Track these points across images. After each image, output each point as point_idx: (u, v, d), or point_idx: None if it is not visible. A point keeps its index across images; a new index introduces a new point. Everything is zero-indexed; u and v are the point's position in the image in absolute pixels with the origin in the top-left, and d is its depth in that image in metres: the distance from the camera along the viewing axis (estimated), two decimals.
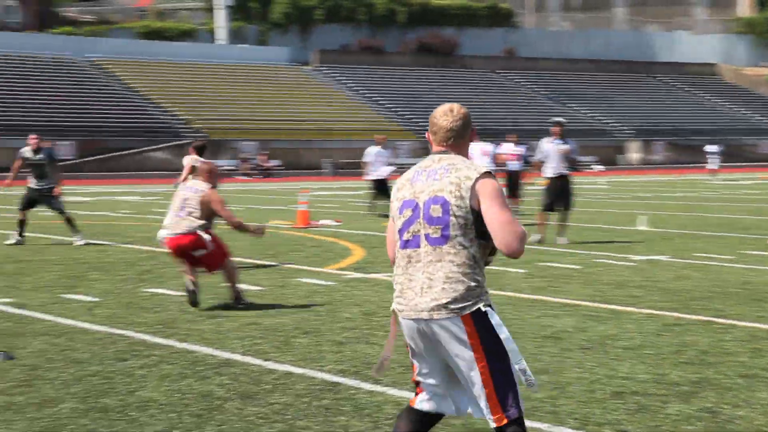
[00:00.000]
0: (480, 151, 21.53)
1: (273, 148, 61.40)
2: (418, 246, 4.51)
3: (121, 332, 8.99)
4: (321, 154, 62.85)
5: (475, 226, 4.46)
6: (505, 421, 4.47)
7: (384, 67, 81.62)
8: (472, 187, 4.44)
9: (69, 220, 16.81)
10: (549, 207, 17.26)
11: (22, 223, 16.75)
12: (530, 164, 21.67)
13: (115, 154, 57.49)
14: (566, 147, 17.04)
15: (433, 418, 4.74)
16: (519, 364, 4.45)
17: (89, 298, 10.91)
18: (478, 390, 4.48)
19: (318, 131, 66.03)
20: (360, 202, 29.53)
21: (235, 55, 76.63)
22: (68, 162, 54.40)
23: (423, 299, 4.47)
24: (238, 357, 8.01)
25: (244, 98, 69.49)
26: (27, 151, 16.90)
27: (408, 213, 4.57)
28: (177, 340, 8.67)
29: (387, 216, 18.06)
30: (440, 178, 4.51)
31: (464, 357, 4.45)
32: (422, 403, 4.68)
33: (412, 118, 70.57)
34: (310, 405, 6.59)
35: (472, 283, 4.43)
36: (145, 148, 58.69)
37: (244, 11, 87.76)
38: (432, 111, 4.71)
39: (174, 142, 60.14)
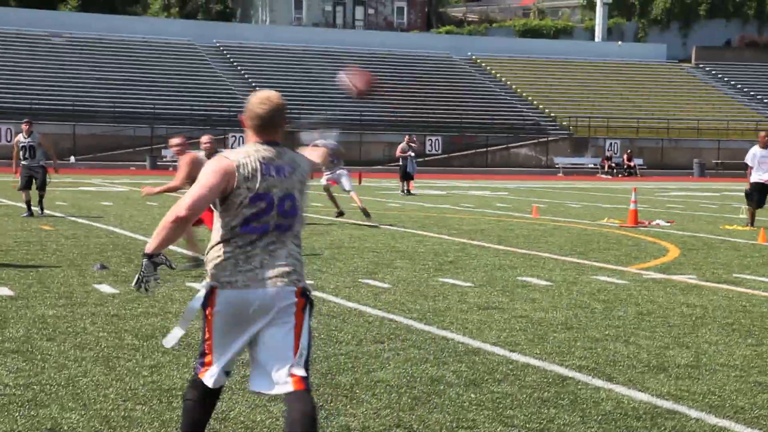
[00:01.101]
0: None
1: (638, 147, 60.37)
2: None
3: (393, 317, 9.40)
4: (690, 154, 60.99)
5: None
6: (303, 387, 4.71)
7: None
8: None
9: None
10: None
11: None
12: None
13: (481, 150, 58.91)
14: None
15: (215, 395, 5.01)
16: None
17: (382, 284, 11.46)
18: (284, 355, 4.73)
19: (688, 130, 64.08)
20: (708, 203, 28.42)
21: (611, 53, 75.83)
22: (436, 157, 56.51)
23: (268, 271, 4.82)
24: (487, 347, 8.17)
25: (614, 96, 68.79)
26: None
27: (263, 205, 4.80)
28: (438, 327, 8.95)
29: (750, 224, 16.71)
30: (289, 176, 4.86)
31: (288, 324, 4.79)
32: (211, 378, 4.90)
33: None
34: (530, 396, 6.64)
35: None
36: (511, 144, 59.68)
37: (624, 8, 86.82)
38: None
39: (539, 139, 60.73)
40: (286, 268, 4.80)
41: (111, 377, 6.96)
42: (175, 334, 4.96)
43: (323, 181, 20.34)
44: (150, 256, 4.81)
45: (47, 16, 65.15)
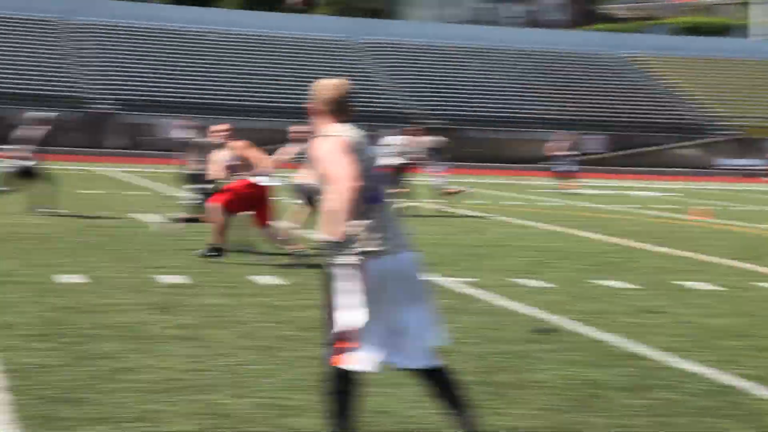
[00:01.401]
0: None
1: None
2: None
3: (548, 317, 9.28)
4: None
5: None
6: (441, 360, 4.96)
7: None
8: None
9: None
10: None
11: None
12: None
13: (642, 149, 57.69)
14: None
15: (356, 384, 5.05)
16: None
17: (540, 284, 11.33)
18: (426, 331, 4.97)
19: None
20: None
21: None
22: (597, 156, 55.61)
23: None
24: (648, 351, 7.98)
25: None
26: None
27: (375, 174, 5.05)
28: (598, 329, 8.79)
29: None
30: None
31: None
32: (365, 362, 4.92)
33: None
34: (694, 404, 6.46)
35: None
36: (673, 145, 58.27)
37: None
38: None
39: (702, 140, 59.12)
40: (405, 233, 5.09)
41: (271, 366, 7.07)
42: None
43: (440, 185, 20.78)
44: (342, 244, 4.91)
45: (208, 13, 66.90)
